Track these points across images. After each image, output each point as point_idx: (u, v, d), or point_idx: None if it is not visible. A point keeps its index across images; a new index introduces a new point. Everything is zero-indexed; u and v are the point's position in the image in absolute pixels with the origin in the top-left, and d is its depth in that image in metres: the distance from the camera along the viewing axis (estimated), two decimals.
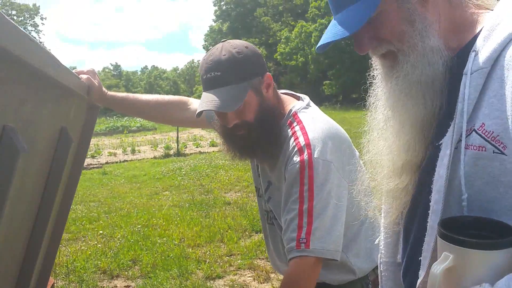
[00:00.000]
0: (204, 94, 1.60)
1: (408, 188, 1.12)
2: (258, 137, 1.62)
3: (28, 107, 1.20)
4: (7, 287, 1.59)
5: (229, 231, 6.61)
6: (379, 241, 1.31)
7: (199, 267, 5.34)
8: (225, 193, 9.37)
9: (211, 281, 4.95)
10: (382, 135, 1.17)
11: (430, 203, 1.03)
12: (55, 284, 4.72)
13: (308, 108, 1.70)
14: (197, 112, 1.60)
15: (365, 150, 1.23)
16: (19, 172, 1.09)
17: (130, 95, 2.14)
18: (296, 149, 1.56)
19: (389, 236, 1.26)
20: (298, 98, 1.78)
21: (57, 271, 5.23)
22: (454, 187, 1.00)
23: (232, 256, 5.67)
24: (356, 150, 1.70)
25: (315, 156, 1.52)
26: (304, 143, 1.55)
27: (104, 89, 1.98)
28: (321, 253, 1.49)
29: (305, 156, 1.52)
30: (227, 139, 1.69)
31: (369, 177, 1.23)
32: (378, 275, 1.30)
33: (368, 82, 1.22)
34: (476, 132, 0.97)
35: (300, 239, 1.48)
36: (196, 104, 2.02)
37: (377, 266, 1.70)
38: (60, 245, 6.12)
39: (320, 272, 1.63)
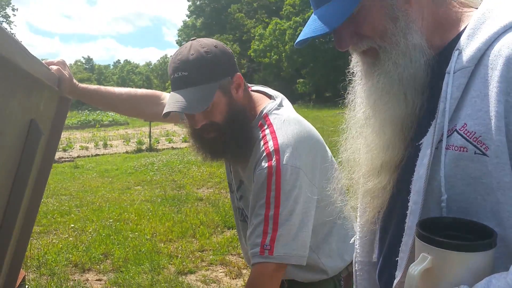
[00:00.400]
0: (172, 94, 1.58)
1: (386, 188, 1.11)
2: (227, 139, 1.60)
3: None
4: None
5: (201, 226, 6.65)
6: (354, 240, 1.31)
7: (171, 262, 5.37)
8: (197, 189, 9.39)
9: (183, 276, 5.00)
10: (361, 133, 1.15)
11: (409, 204, 1.01)
12: (26, 277, 4.71)
13: (280, 108, 1.67)
14: (163, 113, 1.59)
15: (342, 148, 1.21)
16: None
17: (102, 87, 2.10)
18: (264, 154, 1.54)
19: (364, 236, 1.24)
20: (270, 97, 1.75)
21: (29, 264, 5.20)
22: (433, 188, 0.98)
23: (204, 252, 5.73)
24: (329, 151, 1.70)
25: (283, 162, 1.50)
26: (273, 148, 1.53)
27: (75, 80, 1.94)
28: (285, 259, 1.50)
29: (273, 162, 1.51)
30: (197, 140, 1.67)
31: (345, 175, 1.21)
32: (353, 274, 1.30)
33: (347, 79, 1.19)
34: (458, 132, 0.95)
35: (265, 245, 1.49)
36: None
37: (350, 263, 1.71)
38: (31, 238, 6.09)
39: (291, 271, 1.66)
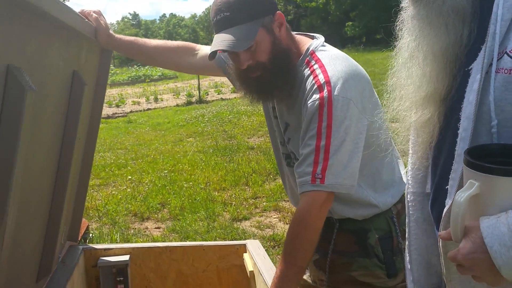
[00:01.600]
0: (215, 36, 1.60)
1: (434, 120, 1.10)
2: (273, 78, 1.61)
3: (32, 47, 1.21)
4: (39, 231, 1.69)
5: (254, 175, 6.73)
6: (405, 172, 1.31)
7: (226, 210, 5.49)
8: (248, 138, 9.45)
9: (238, 223, 5.10)
10: (405, 65, 1.14)
11: (459, 131, 1.01)
12: (90, 226, 4.94)
13: (325, 46, 1.68)
14: (209, 53, 1.61)
15: (389, 81, 1.20)
16: (29, 111, 1.11)
17: (139, 39, 2.09)
18: (315, 86, 1.55)
19: (417, 168, 1.24)
20: (312, 38, 1.74)
21: (91, 214, 5.45)
22: (483, 114, 0.96)
23: (258, 199, 5.81)
24: (374, 91, 1.68)
25: (334, 93, 1.51)
26: (323, 80, 1.54)
27: (111, 31, 1.94)
28: (335, 188, 1.52)
29: (325, 93, 1.52)
30: (243, 82, 1.68)
31: (392, 108, 1.20)
32: (405, 205, 1.30)
33: (397, 16, 1.17)
34: (508, 55, 0.93)
35: (316, 174, 1.51)
36: (205, 50, 2.00)
37: (398, 201, 1.73)
38: (92, 190, 6.34)
39: (342, 208, 1.67)
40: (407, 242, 1.31)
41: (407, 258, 1.31)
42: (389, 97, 1.21)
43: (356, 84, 1.57)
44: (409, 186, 1.29)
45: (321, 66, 1.58)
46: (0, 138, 1.06)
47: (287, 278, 1.54)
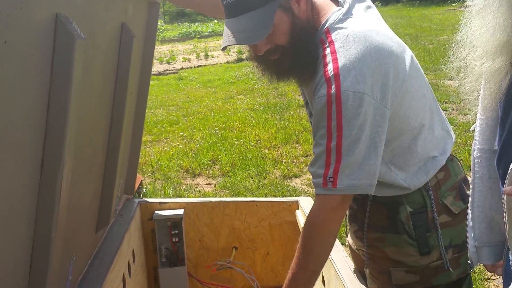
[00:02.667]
0: (227, 23, 1.43)
1: (504, 70, 1.05)
2: (293, 59, 1.46)
3: None
4: (95, 183, 1.73)
5: (304, 132, 6.68)
6: (474, 128, 1.27)
7: (276, 167, 5.50)
8: (299, 96, 9.36)
9: (288, 180, 5.11)
10: (479, 14, 1.08)
11: None
12: (143, 181, 5.08)
13: (346, 19, 1.46)
14: (222, 47, 1.46)
15: (460, 33, 1.15)
16: (79, 59, 1.11)
17: None
18: (323, 79, 1.39)
19: (484, 122, 1.21)
20: (338, 3, 1.53)
21: (144, 170, 5.59)
22: None
23: (308, 157, 5.78)
24: (413, 56, 1.51)
25: (343, 88, 1.35)
26: (332, 73, 1.37)
27: None
28: (349, 190, 1.39)
29: (333, 89, 1.36)
30: (260, 64, 1.54)
31: (460, 57, 1.16)
32: (471, 162, 1.25)
33: None
34: None
35: (327, 178, 1.38)
36: None
37: (442, 168, 1.58)
38: (145, 146, 6.48)
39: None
40: (470, 199, 1.29)
41: (470, 215, 1.29)
42: (457, 47, 1.16)
43: (374, 70, 1.38)
44: (476, 143, 1.25)
45: (333, 52, 1.40)
46: (53, 87, 1.06)
47: (300, 282, 1.46)
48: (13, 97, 0.92)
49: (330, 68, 1.38)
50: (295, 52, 1.45)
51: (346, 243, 1.86)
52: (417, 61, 1.55)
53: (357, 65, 1.36)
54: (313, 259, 1.46)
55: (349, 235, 1.79)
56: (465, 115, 6.64)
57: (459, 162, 1.67)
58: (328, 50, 1.41)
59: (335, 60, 1.38)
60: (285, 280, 1.50)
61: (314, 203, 1.48)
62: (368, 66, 1.37)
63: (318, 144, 1.42)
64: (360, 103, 1.35)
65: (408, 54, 1.50)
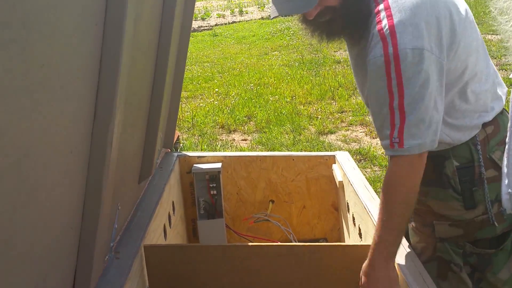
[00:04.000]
0: None
1: None
2: (344, 20, 1.43)
3: None
4: (139, 136, 1.77)
5: (340, 88, 6.61)
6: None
7: (311, 123, 5.48)
8: (334, 51, 9.21)
9: (324, 136, 5.10)
10: None
11: None
12: (180, 137, 5.15)
13: None
14: (271, 17, 1.45)
15: None
16: (131, 10, 1.13)
17: None
18: (378, 38, 1.35)
19: None
20: None
21: (180, 126, 5.66)
22: None
23: (344, 113, 5.73)
24: (468, 10, 1.46)
25: (401, 46, 1.31)
26: (388, 30, 1.33)
27: None
28: (416, 149, 1.37)
29: (390, 47, 1.32)
30: (310, 26, 1.51)
31: None
32: (509, 110, 1.23)
33: None
34: None
35: (393, 139, 1.37)
36: None
37: (491, 121, 1.55)
38: (181, 102, 6.53)
39: None
40: (506, 146, 1.28)
41: (505, 162, 1.29)
42: None
43: (431, 23, 1.34)
44: None
45: (387, 8, 1.35)
46: (106, 38, 1.08)
47: (387, 243, 1.44)
48: (69, 49, 0.94)
49: (384, 24, 1.34)
50: (346, 11, 1.42)
51: None
52: (471, 13, 1.50)
53: (413, 20, 1.32)
54: (397, 219, 1.43)
55: None
56: (505, 70, 6.43)
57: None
58: (381, 6, 1.37)
59: (389, 16, 1.34)
60: (372, 241, 1.47)
61: (389, 164, 1.47)
62: (424, 20, 1.33)
63: (380, 105, 1.40)
64: (420, 59, 1.32)
65: (462, 6, 1.45)
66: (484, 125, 1.52)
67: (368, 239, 1.86)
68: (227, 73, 8.22)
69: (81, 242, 1.13)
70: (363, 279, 1.47)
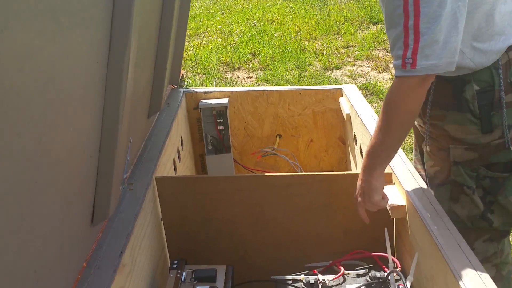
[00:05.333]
0: None
1: None
2: None
3: None
4: (148, 72, 1.76)
5: (346, 23, 6.49)
6: None
7: (317, 59, 5.43)
8: None
9: (329, 72, 5.06)
10: None
11: None
12: (184, 75, 5.12)
13: None
14: None
15: None
16: None
17: None
18: None
19: None
20: None
21: (184, 64, 5.62)
22: None
23: (350, 48, 5.66)
24: None
25: None
26: None
27: None
28: (429, 70, 1.36)
29: None
30: None
31: None
32: None
33: None
34: None
35: (406, 59, 1.35)
36: None
37: (511, 47, 1.56)
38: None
39: None
40: None
41: None
42: None
43: None
44: None
45: None
46: None
47: (376, 155, 1.48)
48: None
49: None
50: None
51: None
52: None
53: None
54: (390, 137, 1.47)
55: None
56: None
57: None
58: None
59: None
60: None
61: (392, 83, 1.47)
62: None
63: (395, 25, 1.38)
64: None
65: None
66: (508, 49, 1.51)
67: None
68: (230, 10, 8.05)
69: (99, 170, 1.16)
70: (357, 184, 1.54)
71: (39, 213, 0.83)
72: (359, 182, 1.53)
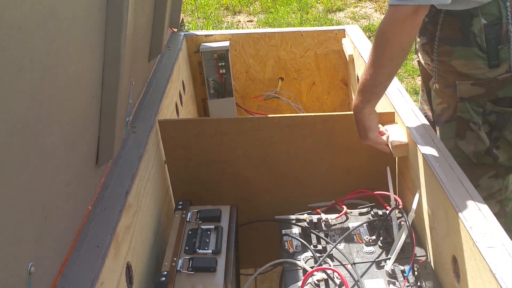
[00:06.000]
0: None
1: None
2: None
3: None
4: (148, 15, 1.73)
5: None
6: None
7: (319, 1, 5.31)
8: None
9: (332, 14, 4.97)
10: None
11: None
12: (184, 19, 5.04)
13: None
14: None
15: None
16: None
17: None
18: None
19: None
20: None
21: (184, 8, 5.51)
22: None
23: None
24: None
25: None
26: None
27: None
28: (424, 0, 1.33)
29: None
30: None
31: None
32: None
33: None
34: None
35: None
36: None
37: None
38: None
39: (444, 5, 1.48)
40: None
41: None
42: None
43: None
44: None
45: None
46: None
47: (366, 88, 1.47)
48: None
49: None
50: None
51: (415, 58, 1.86)
52: None
53: None
54: (381, 72, 1.45)
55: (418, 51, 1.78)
56: None
57: None
58: None
59: None
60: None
61: (385, 14, 1.43)
62: None
63: None
64: None
65: None
66: None
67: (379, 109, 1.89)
68: None
69: (102, 111, 1.16)
70: None
71: (44, 150, 0.83)
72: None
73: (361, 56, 2.08)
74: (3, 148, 0.68)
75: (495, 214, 1.14)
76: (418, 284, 1.29)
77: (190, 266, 1.29)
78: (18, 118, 0.73)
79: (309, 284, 1.31)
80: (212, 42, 2.46)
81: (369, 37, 4.29)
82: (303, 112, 2.53)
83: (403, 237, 1.34)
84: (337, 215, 1.55)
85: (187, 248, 1.35)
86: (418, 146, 1.42)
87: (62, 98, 0.90)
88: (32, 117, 0.77)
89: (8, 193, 0.71)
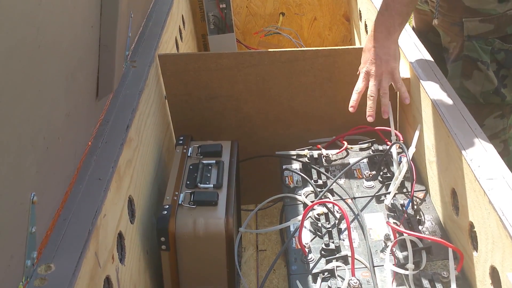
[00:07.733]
0: None
1: None
2: None
3: None
4: None
5: None
6: None
7: None
8: None
9: None
10: None
11: None
12: None
13: None
14: None
15: None
16: None
17: None
18: None
19: None
20: None
21: None
22: None
23: None
24: None
25: None
26: None
27: None
28: None
29: None
30: None
31: None
32: None
33: None
34: None
35: None
36: None
37: None
38: None
39: None
40: None
41: None
42: None
43: None
44: None
45: None
46: None
47: (393, 12, 1.38)
48: None
49: None
50: None
51: None
52: None
53: None
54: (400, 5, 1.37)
55: None
56: None
57: None
58: None
59: None
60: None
61: None
62: None
63: None
64: None
65: None
66: None
67: None
68: None
69: (101, 43, 1.14)
70: (362, 57, 1.43)
71: (43, 80, 0.82)
72: (370, 50, 1.41)
73: None
74: (1, 72, 0.67)
75: (499, 153, 1.13)
76: (417, 217, 1.31)
77: (192, 200, 1.30)
78: (16, 42, 0.71)
79: (310, 218, 1.33)
80: None
81: None
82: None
83: (403, 171, 1.34)
84: (337, 150, 1.55)
85: (188, 182, 1.36)
86: (421, 81, 1.40)
87: (60, 25, 0.88)
88: (29, 42, 0.75)
89: (8, 121, 0.70)
